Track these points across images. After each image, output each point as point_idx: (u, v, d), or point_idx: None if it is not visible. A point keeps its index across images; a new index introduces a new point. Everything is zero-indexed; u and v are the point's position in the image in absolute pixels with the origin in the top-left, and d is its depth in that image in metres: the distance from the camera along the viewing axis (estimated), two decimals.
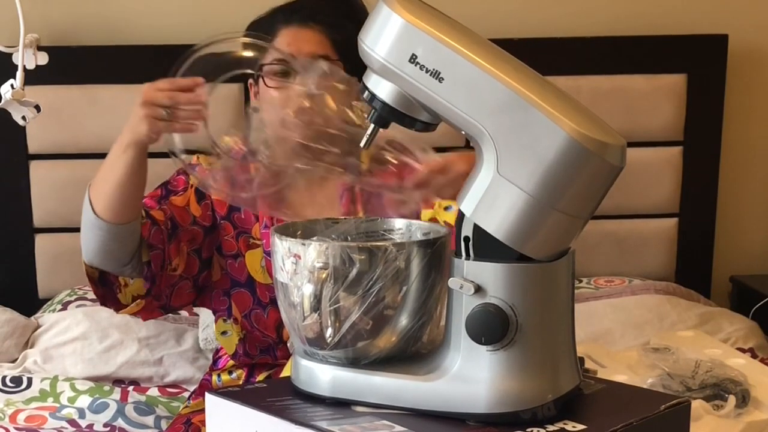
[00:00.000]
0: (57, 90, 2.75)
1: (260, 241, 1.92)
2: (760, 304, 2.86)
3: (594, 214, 1.26)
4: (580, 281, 2.82)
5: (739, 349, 2.44)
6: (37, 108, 2.41)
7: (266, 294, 1.92)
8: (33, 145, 2.78)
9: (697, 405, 1.84)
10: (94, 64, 2.79)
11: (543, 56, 2.70)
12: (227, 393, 1.36)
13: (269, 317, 1.93)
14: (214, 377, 2.03)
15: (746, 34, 2.99)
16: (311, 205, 1.93)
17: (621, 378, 1.93)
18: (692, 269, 3.01)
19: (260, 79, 1.89)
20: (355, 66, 1.92)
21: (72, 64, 2.77)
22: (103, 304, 1.86)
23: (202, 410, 1.83)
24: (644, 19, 2.96)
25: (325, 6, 1.94)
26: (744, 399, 1.93)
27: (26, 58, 2.54)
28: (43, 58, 2.66)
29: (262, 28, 1.91)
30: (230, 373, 2.00)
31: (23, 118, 2.41)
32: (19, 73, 2.40)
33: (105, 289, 1.83)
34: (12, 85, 2.39)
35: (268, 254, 1.89)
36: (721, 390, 1.94)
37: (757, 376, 2.02)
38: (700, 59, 2.92)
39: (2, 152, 2.77)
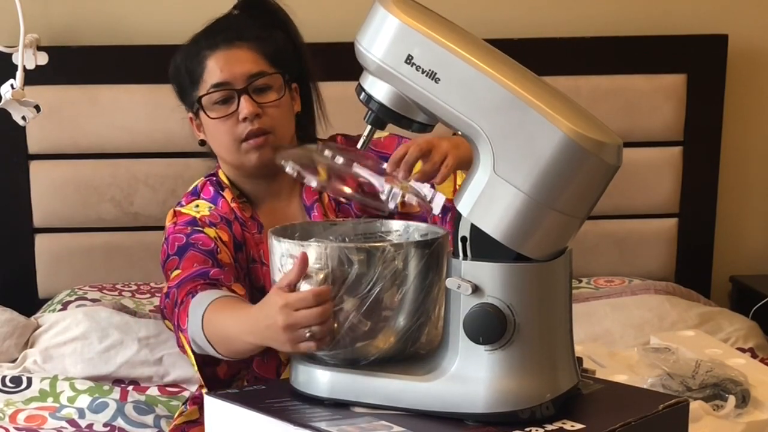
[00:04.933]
0: (57, 90, 2.74)
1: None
2: (760, 304, 2.86)
3: (593, 214, 1.26)
4: (580, 281, 2.82)
5: (739, 349, 2.44)
6: (37, 108, 2.41)
7: None
8: (33, 145, 2.78)
9: (696, 406, 1.84)
10: (94, 64, 2.78)
11: (543, 56, 2.72)
12: (226, 395, 1.36)
13: (269, 362, 1.82)
14: None
15: (746, 34, 2.98)
16: (284, 222, 1.82)
17: (621, 378, 1.93)
18: (692, 269, 3.00)
19: (200, 112, 1.81)
20: (292, 74, 1.89)
21: (72, 64, 2.77)
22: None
23: (197, 421, 1.83)
24: (644, 19, 2.96)
25: (248, 20, 1.85)
26: (744, 399, 1.93)
27: (26, 58, 2.54)
28: (43, 58, 2.66)
29: (189, 59, 1.82)
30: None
31: (23, 118, 2.40)
32: (19, 73, 2.40)
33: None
34: (12, 85, 2.38)
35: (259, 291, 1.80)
36: (722, 390, 1.93)
37: (757, 376, 2.02)
38: (700, 59, 2.92)
39: (2, 152, 2.77)
